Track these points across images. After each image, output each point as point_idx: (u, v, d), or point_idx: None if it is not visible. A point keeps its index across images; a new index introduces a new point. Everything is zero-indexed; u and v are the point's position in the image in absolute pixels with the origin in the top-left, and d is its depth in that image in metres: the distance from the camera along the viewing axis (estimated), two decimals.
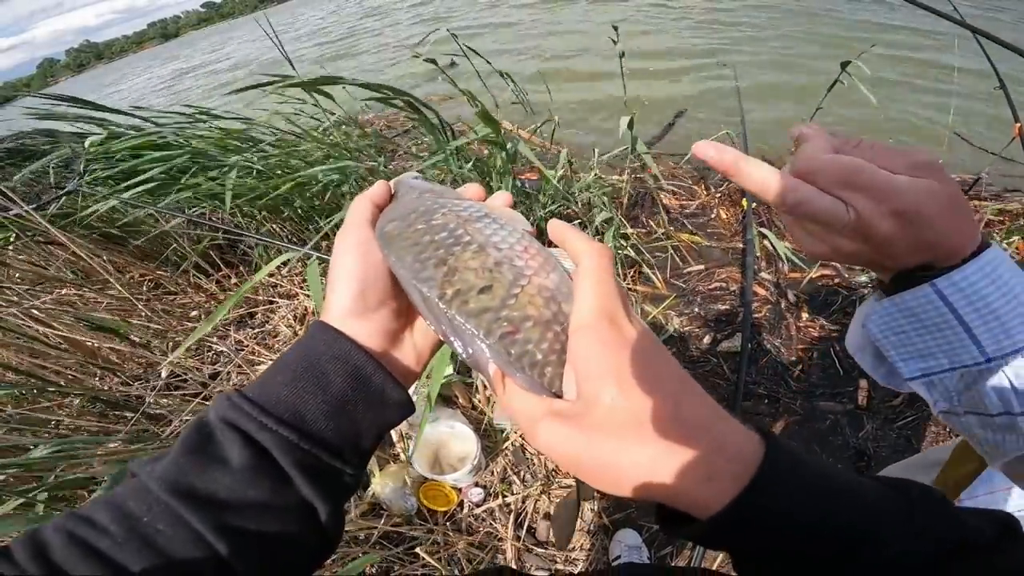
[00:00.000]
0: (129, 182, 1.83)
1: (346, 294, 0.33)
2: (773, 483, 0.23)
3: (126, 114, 2.14)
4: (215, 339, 1.88)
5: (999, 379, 0.34)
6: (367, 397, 0.32)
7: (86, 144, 1.88)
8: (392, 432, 1.58)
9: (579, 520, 1.47)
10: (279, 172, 1.99)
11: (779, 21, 5.44)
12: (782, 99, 3.73)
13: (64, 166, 2.07)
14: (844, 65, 2.12)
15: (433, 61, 1.87)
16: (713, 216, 2.59)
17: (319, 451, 0.29)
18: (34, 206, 1.57)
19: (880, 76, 3.74)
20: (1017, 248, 1.90)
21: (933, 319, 0.35)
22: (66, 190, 1.65)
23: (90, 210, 1.76)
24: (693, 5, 6.73)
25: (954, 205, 0.34)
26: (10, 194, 1.48)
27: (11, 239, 1.76)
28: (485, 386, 1.65)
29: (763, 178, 0.35)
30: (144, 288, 2.04)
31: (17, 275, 1.76)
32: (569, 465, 0.25)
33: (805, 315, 2.00)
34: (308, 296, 2.03)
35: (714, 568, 1.40)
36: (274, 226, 2.20)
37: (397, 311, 0.35)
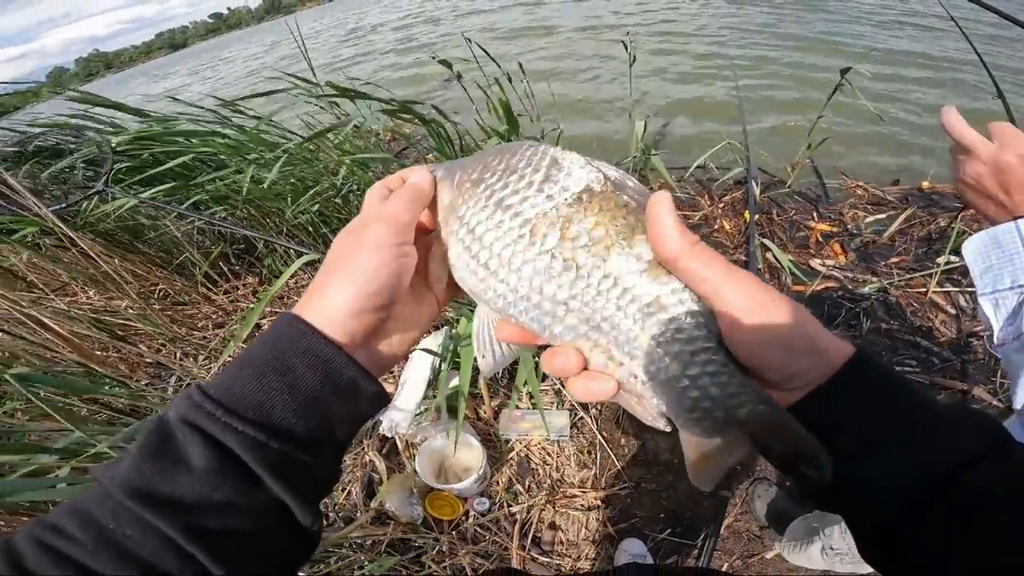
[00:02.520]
0: (151, 172, 1.85)
1: (352, 290, 0.31)
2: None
3: (139, 113, 2.16)
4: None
5: None
6: (338, 390, 0.30)
7: (113, 143, 1.87)
8: (398, 441, 1.60)
9: (583, 531, 1.48)
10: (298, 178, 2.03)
11: (781, 41, 5.46)
12: (782, 112, 3.77)
13: (88, 164, 2.05)
14: (843, 72, 2.17)
15: (448, 65, 1.91)
16: (716, 227, 2.61)
17: (289, 448, 0.28)
18: (57, 208, 1.55)
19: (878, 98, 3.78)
20: None
21: (1008, 244, 0.53)
22: (94, 190, 1.57)
23: (111, 205, 1.77)
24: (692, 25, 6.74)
25: None
26: (34, 199, 1.46)
27: (29, 238, 1.77)
28: (491, 397, 1.67)
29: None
30: (155, 297, 2.07)
31: (31, 277, 1.77)
32: None
33: None
34: None
35: (723, 569, 1.40)
36: (283, 239, 2.23)
37: (390, 314, 0.34)
